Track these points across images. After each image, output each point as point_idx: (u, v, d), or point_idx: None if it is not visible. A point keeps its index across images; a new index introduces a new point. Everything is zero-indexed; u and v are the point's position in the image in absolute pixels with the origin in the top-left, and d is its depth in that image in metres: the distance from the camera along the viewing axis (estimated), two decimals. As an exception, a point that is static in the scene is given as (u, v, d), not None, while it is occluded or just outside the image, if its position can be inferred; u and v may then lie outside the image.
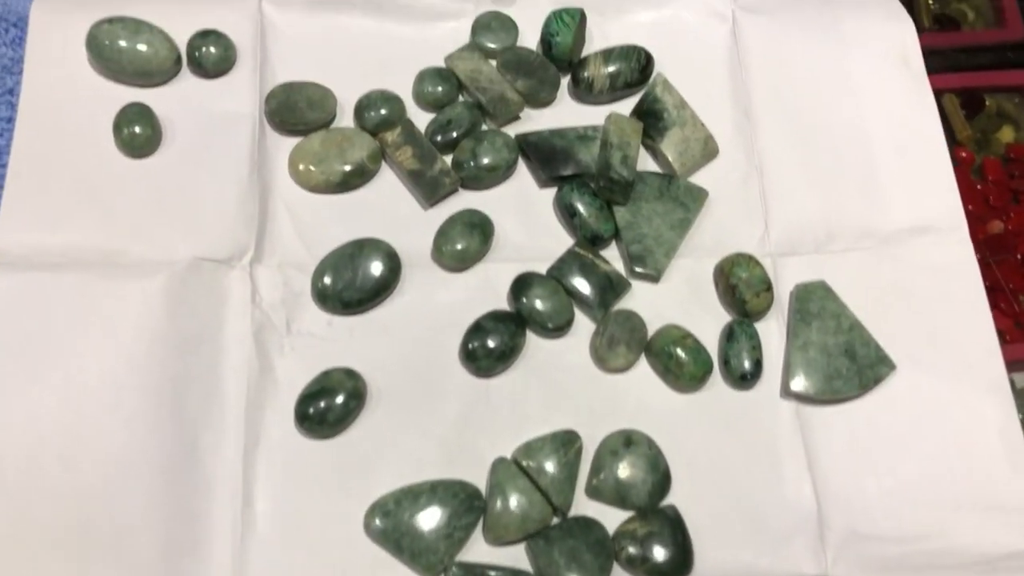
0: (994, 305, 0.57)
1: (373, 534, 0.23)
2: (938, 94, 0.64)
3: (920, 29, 0.66)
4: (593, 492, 0.24)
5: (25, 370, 0.22)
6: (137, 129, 0.25)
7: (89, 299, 0.23)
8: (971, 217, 0.59)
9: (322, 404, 0.23)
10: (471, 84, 0.27)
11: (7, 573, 0.21)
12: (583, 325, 0.25)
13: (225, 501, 0.23)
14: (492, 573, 0.22)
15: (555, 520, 0.23)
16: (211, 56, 0.26)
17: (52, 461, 0.22)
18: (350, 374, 0.24)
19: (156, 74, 0.26)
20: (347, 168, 0.26)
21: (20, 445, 0.22)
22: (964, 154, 0.62)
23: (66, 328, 0.23)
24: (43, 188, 0.24)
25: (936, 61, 0.66)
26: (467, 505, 0.23)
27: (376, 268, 0.25)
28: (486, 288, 0.25)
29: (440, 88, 0.27)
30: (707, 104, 0.28)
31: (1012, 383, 0.50)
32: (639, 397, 0.25)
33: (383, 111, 0.26)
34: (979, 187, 0.60)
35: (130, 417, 0.22)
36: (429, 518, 0.23)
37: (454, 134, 0.27)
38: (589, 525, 0.23)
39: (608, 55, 0.27)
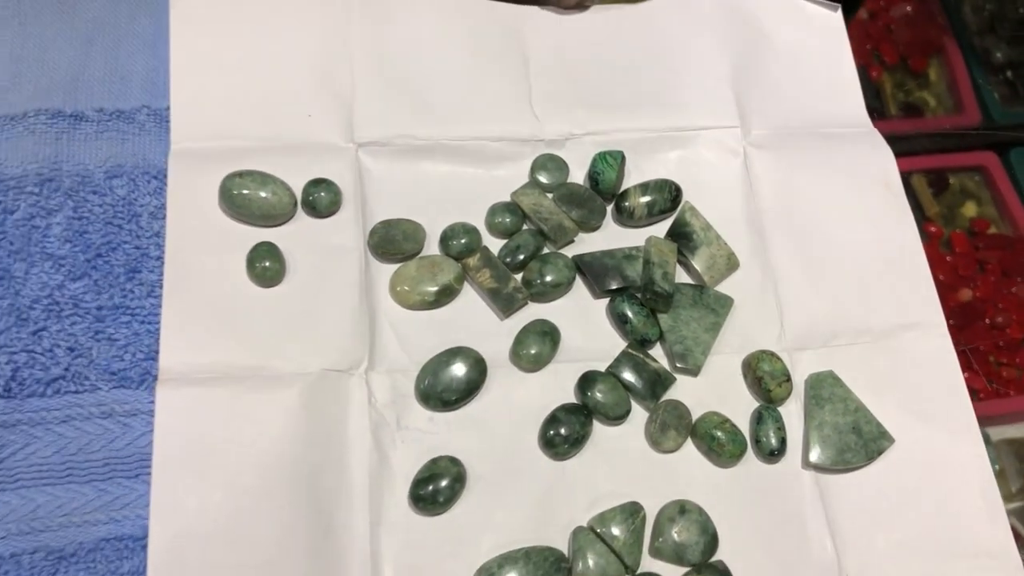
0: (967, 367, 0.64)
1: (478, 594, 0.28)
2: (907, 175, 0.72)
3: (887, 116, 0.73)
4: (656, 553, 0.29)
5: (193, 470, 0.27)
6: (267, 263, 0.30)
7: (240, 407, 0.28)
8: (942, 286, 0.66)
9: (430, 488, 0.28)
10: (533, 215, 0.33)
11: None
12: (638, 414, 0.31)
13: (357, 570, 0.28)
14: (580, 622, 0.27)
15: (627, 576, 0.28)
16: (322, 200, 0.32)
17: (221, 544, 0.27)
18: (453, 461, 0.29)
19: (279, 216, 0.32)
20: (437, 288, 0.31)
21: (195, 534, 0.27)
22: (933, 229, 0.69)
23: (223, 432, 0.28)
24: (192, 316, 0.30)
25: (903, 145, 0.74)
26: (556, 567, 0.28)
27: (466, 371, 0.30)
28: (556, 385, 0.31)
29: (508, 219, 0.33)
30: (727, 226, 0.33)
31: (987, 437, 0.56)
32: (688, 472, 0.30)
33: (463, 240, 0.32)
34: (948, 259, 0.66)
35: (280, 504, 0.27)
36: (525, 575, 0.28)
37: (522, 257, 0.32)
38: (656, 579, 0.28)
39: (644, 187, 0.33)
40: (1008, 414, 0.64)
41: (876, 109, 0.76)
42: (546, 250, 0.33)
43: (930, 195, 0.72)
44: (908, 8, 0.79)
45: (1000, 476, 0.62)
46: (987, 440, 0.62)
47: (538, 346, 0.30)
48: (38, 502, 0.27)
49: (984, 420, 0.64)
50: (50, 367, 0.29)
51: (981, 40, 0.78)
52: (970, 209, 0.72)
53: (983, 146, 0.73)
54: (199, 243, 0.31)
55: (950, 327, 0.67)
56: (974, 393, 0.65)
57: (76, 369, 0.29)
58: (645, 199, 0.33)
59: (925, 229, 0.71)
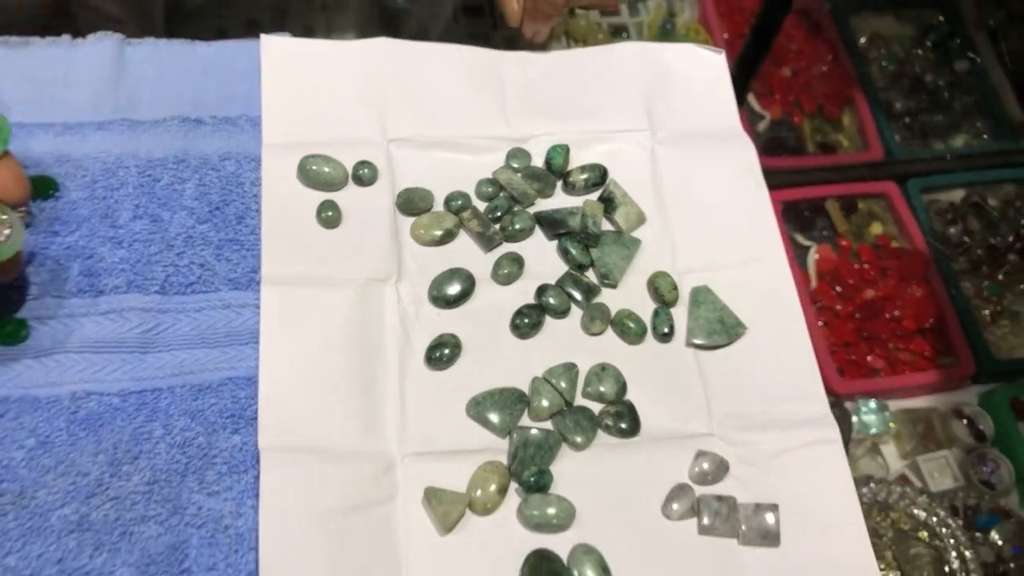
0: (871, 351, 0.79)
1: (470, 414, 0.43)
2: (822, 200, 0.88)
3: (806, 153, 0.90)
4: (585, 395, 0.44)
5: (286, 339, 0.42)
6: (330, 213, 0.46)
7: (315, 300, 0.43)
8: (851, 288, 0.82)
9: (437, 352, 0.43)
10: (507, 186, 0.48)
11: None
12: (575, 312, 0.46)
13: (391, 405, 0.42)
14: (533, 431, 0.42)
15: (566, 408, 0.43)
16: (365, 175, 0.48)
17: (305, 387, 0.41)
18: (453, 336, 0.44)
19: (336, 185, 0.47)
20: (441, 232, 0.47)
21: (289, 382, 0.41)
22: (844, 243, 0.86)
23: (305, 315, 0.43)
24: (281, 245, 0.45)
25: (820, 176, 0.91)
26: (519, 399, 0.43)
27: (461, 284, 0.45)
28: (521, 293, 0.46)
29: (490, 188, 0.48)
30: (638, 195, 0.49)
31: (885, 406, 0.71)
32: (608, 347, 0.45)
33: (459, 202, 0.48)
34: (856, 266, 0.82)
35: (342, 364, 0.42)
36: (499, 406, 0.43)
37: (499, 213, 0.48)
38: (584, 409, 0.43)
39: (583, 169, 0.49)
40: (903, 387, 0.80)
41: (796, 148, 0.93)
42: (516, 209, 0.48)
43: (842, 216, 0.89)
44: (824, 67, 0.97)
45: (896, 438, 0.77)
46: (885, 408, 0.78)
47: (509, 268, 0.46)
48: (182, 358, 0.42)
49: (885, 393, 0.80)
50: (188, 276, 0.44)
51: (885, 94, 0.96)
52: (876, 228, 0.89)
53: (886, 177, 0.90)
54: (284, 201, 0.46)
55: (857, 320, 0.83)
56: (875, 372, 0.81)
57: (205, 278, 0.44)
58: (583, 176, 0.49)
59: (837, 243, 0.88)
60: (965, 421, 0.79)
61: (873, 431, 0.77)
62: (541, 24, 0.52)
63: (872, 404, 0.78)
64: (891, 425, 0.77)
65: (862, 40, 1.00)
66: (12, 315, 0.42)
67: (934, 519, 0.72)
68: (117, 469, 0.39)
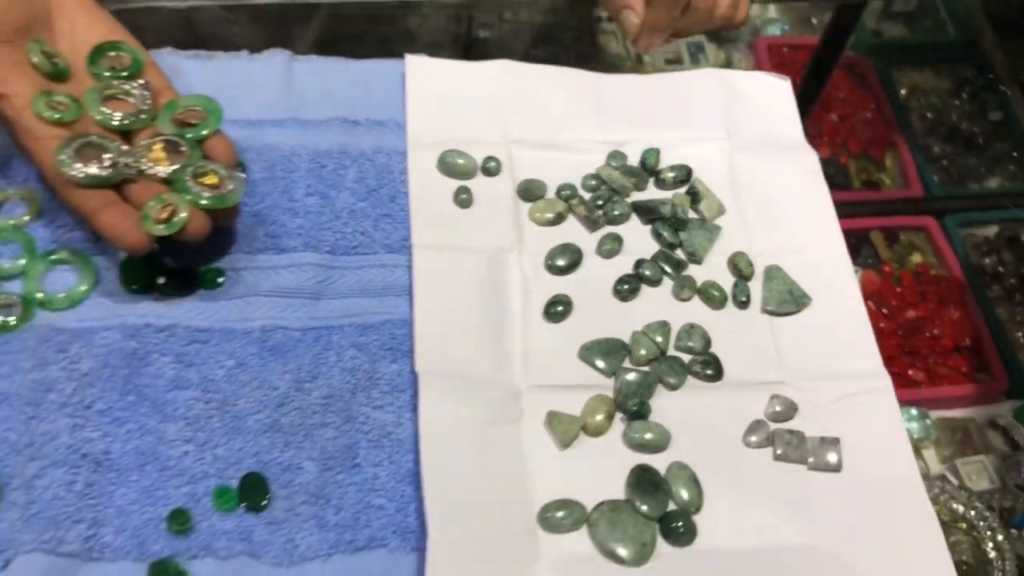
0: (912, 365, 0.87)
1: (581, 357, 0.51)
2: (867, 231, 0.97)
3: (852, 189, 1.00)
4: (677, 348, 0.53)
5: (435, 293, 0.51)
6: (464, 196, 0.56)
7: (455, 262, 0.53)
8: (893, 308, 0.90)
9: (552, 309, 0.53)
10: (608, 180, 0.58)
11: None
12: (666, 284, 0.55)
13: (518, 351, 0.51)
14: (633, 373, 0.51)
15: (661, 356, 0.52)
16: (492, 167, 0.57)
17: (450, 329, 0.50)
18: (566, 296, 0.53)
19: (469, 174, 0.57)
20: (553, 215, 0.56)
21: (440, 326, 0.50)
22: (887, 269, 0.94)
23: (447, 273, 0.52)
24: (426, 219, 0.55)
25: (865, 209, 1.01)
26: (621, 347, 0.52)
27: (569, 256, 0.55)
28: (621, 266, 0.55)
29: (594, 182, 0.58)
30: (718, 190, 0.58)
31: (926, 414, 0.78)
32: (695, 312, 0.54)
33: (568, 191, 0.57)
34: (898, 289, 0.91)
35: (477, 316, 0.51)
36: (605, 352, 0.52)
37: (601, 201, 0.57)
38: (676, 358, 0.52)
39: (671, 168, 0.59)
40: (942, 398, 0.87)
41: (843, 184, 1.03)
42: (615, 199, 0.58)
43: (885, 245, 0.98)
44: (868, 114, 1.07)
45: (936, 444, 0.85)
46: (926, 416, 0.85)
47: (611, 245, 0.55)
48: (348, 304, 0.52)
49: (925, 403, 0.88)
50: (352, 241, 0.54)
51: (924, 139, 1.05)
52: (917, 257, 0.98)
53: (925, 212, 0.99)
54: (427, 186, 0.56)
55: (899, 336, 0.91)
56: (916, 384, 0.89)
57: (365, 243, 0.54)
58: (671, 174, 0.58)
59: (881, 268, 0.96)
60: (1000, 431, 0.86)
61: (915, 436, 0.84)
62: (655, 38, 0.61)
63: (914, 411, 0.85)
64: (931, 431, 0.85)
65: (903, 91, 1.10)
66: (211, 266, 0.52)
67: (972, 512, 0.79)
68: (300, 386, 0.48)
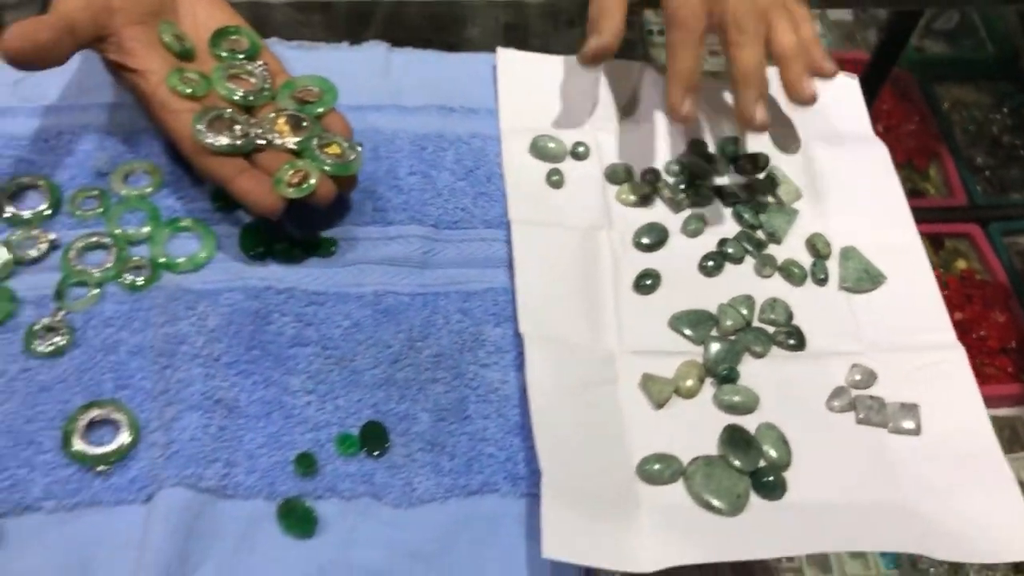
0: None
1: (670, 326, 0.55)
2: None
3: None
4: (761, 320, 0.56)
5: (534, 256, 0.55)
6: (556, 178, 0.59)
7: (550, 237, 0.56)
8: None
9: (641, 282, 0.56)
10: (691, 165, 0.61)
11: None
12: (748, 262, 0.58)
13: (610, 319, 0.54)
14: (720, 342, 0.54)
15: (746, 327, 0.55)
16: (581, 152, 0.61)
17: (552, 284, 0.54)
18: (655, 270, 0.56)
19: (559, 158, 0.60)
20: (636, 197, 0.60)
21: (539, 288, 0.54)
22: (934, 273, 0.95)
23: (547, 242, 0.55)
24: (522, 196, 0.58)
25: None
26: (709, 318, 0.55)
27: (655, 235, 0.58)
28: (705, 245, 0.58)
29: (677, 167, 0.61)
30: (795, 176, 0.62)
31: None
32: (777, 288, 0.57)
33: (650, 176, 0.61)
34: (944, 292, 0.93)
35: (573, 285, 0.55)
36: (693, 322, 0.55)
37: (683, 186, 0.61)
38: (761, 329, 0.55)
39: (750, 155, 0.62)
40: (989, 397, 0.89)
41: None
42: (697, 183, 0.61)
43: (931, 251, 1.00)
44: (912, 127, 1.10)
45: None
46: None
47: (695, 225, 0.59)
48: (452, 273, 0.55)
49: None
50: (453, 216, 0.57)
51: (967, 151, 1.08)
52: (961, 263, 1.01)
53: (969, 220, 1.02)
54: (521, 169, 0.60)
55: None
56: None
57: (465, 219, 0.57)
58: (750, 162, 0.62)
59: (928, 274, 0.98)
60: (1047, 430, 0.88)
61: (965, 431, 0.86)
62: (681, 93, 0.56)
63: (963, 408, 0.88)
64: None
65: (946, 105, 1.14)
66: (325, 236, 0.55)
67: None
68: (412, 345, 0.52)
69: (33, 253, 0.53)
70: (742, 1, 0.55)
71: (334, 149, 0.53)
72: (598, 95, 0.63)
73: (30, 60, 0.49)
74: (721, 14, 0.55)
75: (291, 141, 0.53)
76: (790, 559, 0.83)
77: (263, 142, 0.52)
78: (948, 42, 1.25)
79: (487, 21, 0.88)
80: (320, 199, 0.51)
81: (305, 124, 0.53)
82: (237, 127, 0.52)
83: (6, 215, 0.54)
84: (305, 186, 0.51)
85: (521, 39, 0.66)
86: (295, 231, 0.55)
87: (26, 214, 0.54)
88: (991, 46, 1.23)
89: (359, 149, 0.54)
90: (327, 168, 0.52)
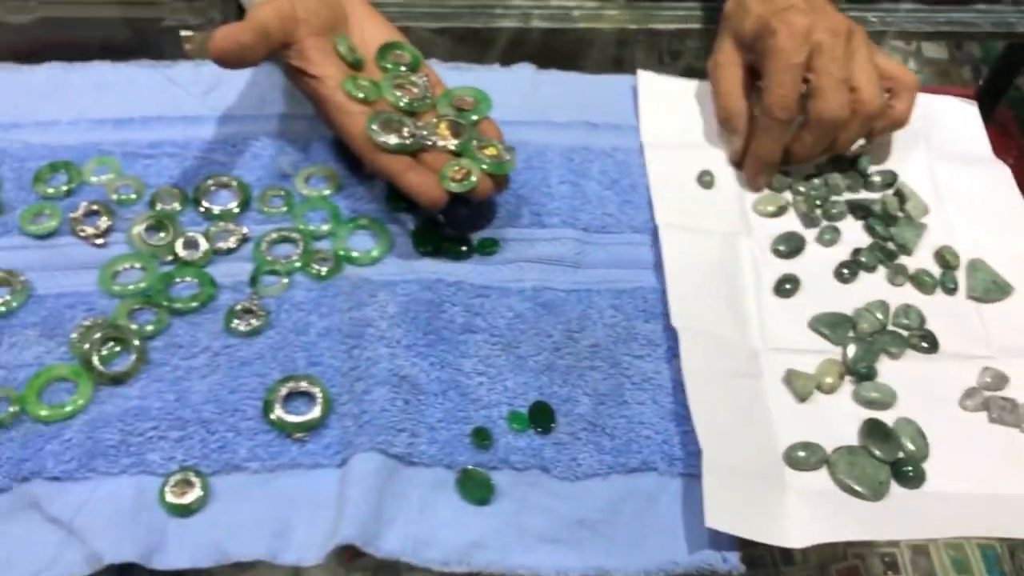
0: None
1: (810, 327, 0.58)
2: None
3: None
4: (895, 324, 0.59)
5: (688, 264, 0.59)
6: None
7: (695, 242, 0.60)
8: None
9: (785, 286, 0.60)
10: (826, 179, 0.65)
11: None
12: (880, 271, 0.62)
13: (754, 320, 0.58)
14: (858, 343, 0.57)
15: (882, 329, 0.59)
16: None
17: (696, 297, 0.58)
18: (794, 275, 0.60)
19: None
20: (775, 208, 0.64)
21: (689, 283, 0.58)
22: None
23: (690, 251, 0.60)
24: (669, 208, 0.62)
25: None
26: (846, 320, 0.58)
27: (796, 243, 0.62)
28: (839, 254, 0.62)
29: (815, 180, 0.66)
30: (922, 192, 0.65)
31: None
32: (908, 295, 0.60)
33: (788, 189, 0.65)
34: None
35: (717, 285, 0.59)
36: (832, 324, 0.58)
37: (820, 201, 0.65)
38: (897, 332, 0.58)
39: (880, 172, 0.66)
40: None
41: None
42: (832, 198, 0.65)
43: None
44: (1011, 161, 1.12)
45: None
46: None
47: (831, 235, 0.62)
48: (603, 273, 0.59)
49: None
50: (602, 221, 0.62)
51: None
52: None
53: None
54: (666, 177, 0.64)
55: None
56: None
57: (612, 224, 0.62)
58: (879, 178, 0.65)
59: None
60: None
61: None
62: (763, 172, 0.63)
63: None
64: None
65: (1045, 140, 1.15)
66: (486, 236, 0.60)
67: None
68: (571, 335, 0.56)
69: (228, 244, 0.58)
70: (831, 76, 0.58)
71: (491, 151, 0.58)
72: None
73: (232, 58, 0.56)
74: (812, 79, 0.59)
75: (452, 143, 0.58)
76: (894, 569, 0.85)
77: (428, 143, 0.58)
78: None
79: (597, 54, 0.93)
80: (479, 194, 0.56)
81: (463, 129, 0.59)
82: (405, 129, 0.57)
83: (201, 210, 0.60)
84: (466, 182, 0.56)
85: (629, 71, 0.71)
86: (461, 231, 0.60)
87: (217, 210, 0.60)
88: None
89: (513, 150, 0.59)
90: (485, 167, 0.57)
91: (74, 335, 0.53)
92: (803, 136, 0.60)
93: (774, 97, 0.58)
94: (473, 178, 0.56)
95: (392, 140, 0.57)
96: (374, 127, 0.57)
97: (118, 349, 0.53)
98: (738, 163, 0.64)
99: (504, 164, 0.58)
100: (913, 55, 1.35)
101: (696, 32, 0.78)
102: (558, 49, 0.81)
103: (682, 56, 1.09)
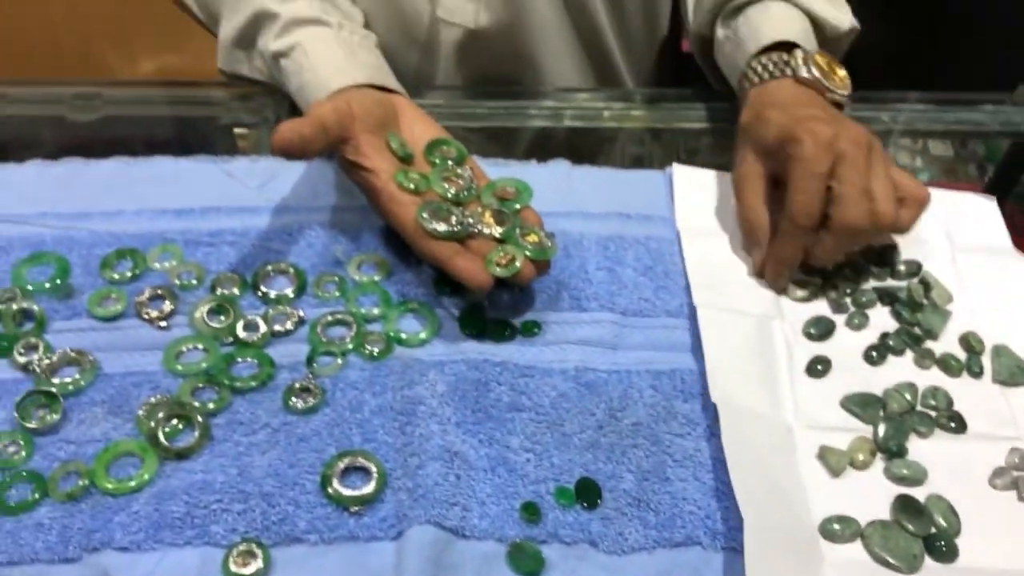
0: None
1: (842, 406, 0.61)
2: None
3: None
4: (923, 405, 0.61)
5: (718, 344, 0.62)
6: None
7: (730, 323, 0.63)
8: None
9: (817, 366, 0.62)
10: (853, 266, 0.69)
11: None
12: (907, 355, 0.65)
13: (787, 389, 0.61)
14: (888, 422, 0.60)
15: (911, 410, 0.61)
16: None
17: (732, 376, 0.61)
18: (826, 357, 0.63)
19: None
20: (805, 293, 0.67)
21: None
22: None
23: (726, 331, 0.63)
24: (705, 285, 0.66)
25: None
26: (876, 400, 0.61)
27: (826, 326, 0.65)
28: (868, 338, 0.65)
29: (843, 268, 0.69)
30: (945, 282, 0.68)
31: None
32: (935, 378, 0.63)
33: (817, 275, 0.68)
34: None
35: (752, 360, 0.62)
36: (863, 404, 0.61)
37: (850, 289, 0.68)
38: (925, 412, 0.61)
39: (904, 262, 0.69)
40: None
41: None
42: (861, 286, 0.68)
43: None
44: None
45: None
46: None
47: (859, 320, 0.65)
48: (641, 355, 0.62)
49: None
50: (638, 306, 0.65)
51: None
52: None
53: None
54: (701, 261, 0.68)
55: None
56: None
57: (648, 308, 0.65)
58: (903, 267, 0.69)
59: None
60: None
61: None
62: (783, 272, 0.65)
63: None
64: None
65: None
66: (528, 319, 0.63)
67: None
68: (613, 414, 0.59)
69: (286, 327, 0.62)
70: (854, 186, 0.60)
71: (533, 238, 0.62)
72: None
73: (294, 150, 0.60)
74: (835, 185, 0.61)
75: (497, 230, 0.62)
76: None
77: (475, 230, 0.61)
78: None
79: (616, 151, 0.98)
80: (522, 279, 0.59)
81: (507, 217, 0.62)
82: (453, 217, 0.61)
83: (259, 294, 0.63)
84: (511, 267, 0.59)
85: (648, 167, 0.76)
86: (504, 314, 0.63)
87: (274, 294, 0.63)
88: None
89: (553, 236, 0.62)
90: (529, 253, 0.60)
91: (140, 412, 0.56)
92: (824, 240, 0.61)
93: (798, 205, 0.60)
94: (517, 263, 0.59)
95: (441, 227, 0.60)
96: (424, 215, 0.60)
97: (181, 426, 0.55)
98: (759, 268, 0.67)
99: (547, 250, 0.61)
100: (920, 152, 1.40)
101: (711, 131, 0.82)
102: (579, 147, 0.85)
103: (698, 153, 1.13)
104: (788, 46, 0.68)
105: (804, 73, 0.66)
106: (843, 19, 0.73)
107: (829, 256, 0.64)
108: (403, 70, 0.74)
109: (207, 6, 0.79)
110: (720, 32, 0.75)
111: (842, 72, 0.68)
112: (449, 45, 0.83)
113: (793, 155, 0.60)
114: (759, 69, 0.68)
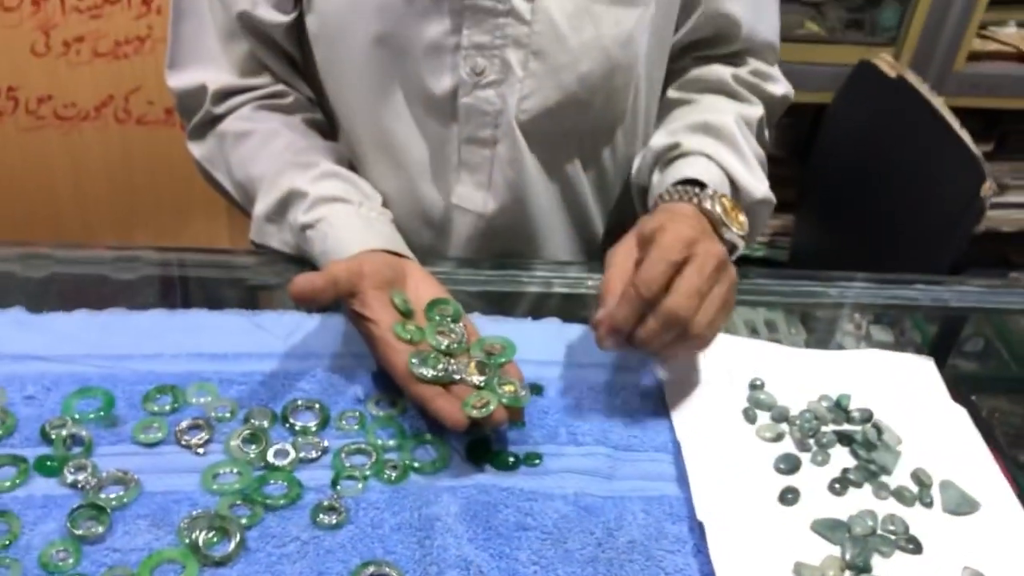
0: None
1: (812, 529, 0.68)
2: None
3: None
4: (883, 531, 0.69)
5: (705, 474, 0.70)
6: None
7: (718, 457, 0.72)
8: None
9: (789, 495, 0.70)
10: (816, 413, 0.78)
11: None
12: (866, 487, 0.73)
13: (762, 511, 0.68)
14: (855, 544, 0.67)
15: (873, 534, 0.68)
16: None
17: (718, 496, 0.68)
18: (793, 487, 0.71)
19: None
20: (773, 435, 0.76)
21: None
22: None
23: (711, 461, 0.71)
24: (687, 421, 0.74)
25: None
26: (840, 524, 0.68)
27: (792, 463, 0.73)
28: (828, 475, 0.73)
29: (807, 414, 0.78)
30: (895, 427, 0.78)
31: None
32: (891, 508, 0.71)
33: (783, 419, 0.77)
34: None
35: (732, 484, 0.69)
36: (829, 528, 0.68)
37: (812, 431, 0.77)
38: (885, 536, 0.68)
39: (859, 410, 0.79)
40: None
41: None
42: (822, 428, 0.77)
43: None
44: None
45: None
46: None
47: (823, 456, 0.74)
48: (633, 483, 0.70)
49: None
50: (628, 441, 0.73)
51: (1010, 450, 1.22)
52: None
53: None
54: (686, 404, 0.76)
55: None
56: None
57: (636, 443, 0.73)
58: (857, 414, 0.78)
59: None
60: None
61: None
62: (613, 337, 0.69)
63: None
64: None
65: (983, 412, 1.30)
66: (532, 451, 0.71)
67: None
68: (611, 533, 0.65)
69: (312, 455, 0.68)
70: (691, 283, 0.67)
71: (509, 388, 0.70)
72: (752, 371, 0.81)
73: (307, 298, 0.70)
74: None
75: (478, 379, 0.70)
76: None
77: (458, 377, 0.70)
78: (978, 361, 1.44)
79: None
80: (495, 422, 0.66)
81: (489, 369, 0.71)
82: (440, 365, 0.70)
83: (287, 426, 0.70)
84: (485, 410, 0.67)
85: None
86: (509, 448, 0.70)
87: (300, 426, 0.70)
88: (1014, 366, 1.41)
89: (528, 388, 0.71)
90: (504, 400, 0.69)
91: (182, 524, 0.61)
92: (649, 323, 0.66)
93: (643, 275, 0.65)
94: (491, 407, 0.68)
95: (427, 372, 0.69)
96: (414, 360, 0.69)
97: (218, 539, 0.61)
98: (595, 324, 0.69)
99: (519, 399, 0.70)
100: (864, 338, 1.53)
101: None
102: (563, 308, 0.94)
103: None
104: (703, 185, 0.77)
105: (707, 204, 0.73)
106: (758, 187, 0.84)
107: (649, 339, 0.67)
108: (416, 245, 0.84)
109: (244, 189, 0.90)
110: (655, 178, 0.84)
111: (743, 218, 0.75)
112: (461, 227, 0.94)
113: (655, 241, 0.67)
114: (672, 192, 0.75)
